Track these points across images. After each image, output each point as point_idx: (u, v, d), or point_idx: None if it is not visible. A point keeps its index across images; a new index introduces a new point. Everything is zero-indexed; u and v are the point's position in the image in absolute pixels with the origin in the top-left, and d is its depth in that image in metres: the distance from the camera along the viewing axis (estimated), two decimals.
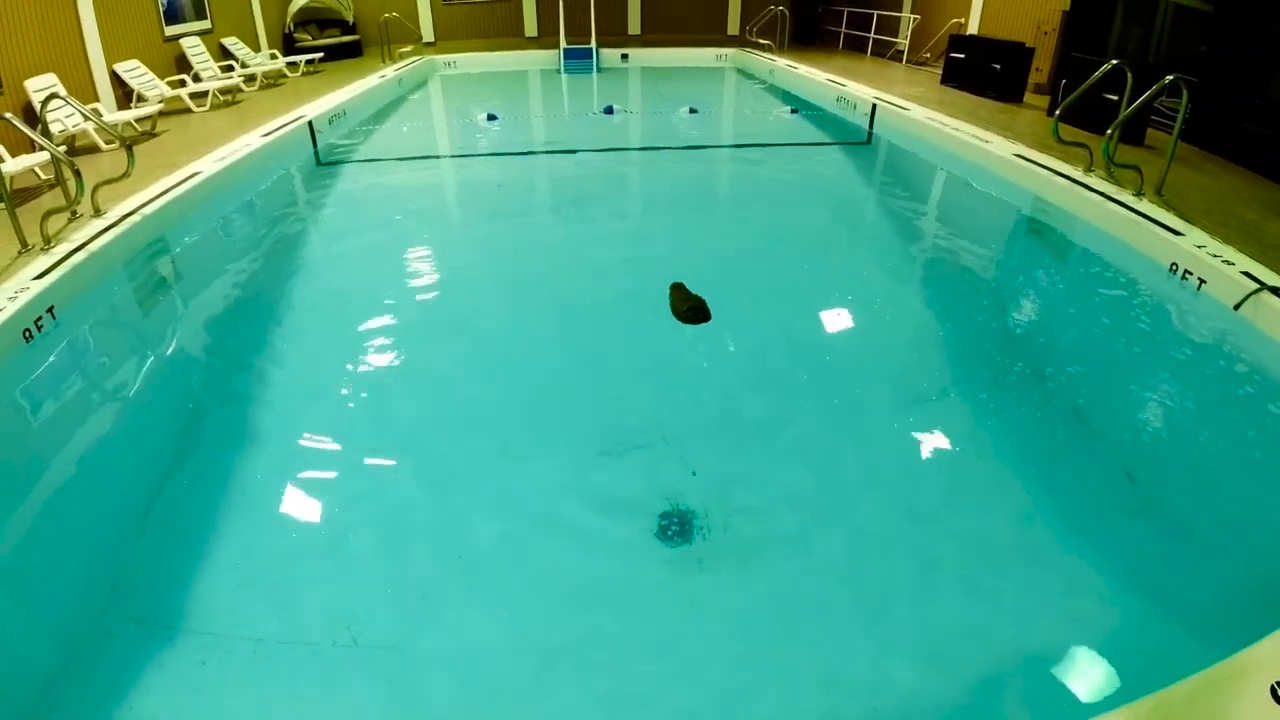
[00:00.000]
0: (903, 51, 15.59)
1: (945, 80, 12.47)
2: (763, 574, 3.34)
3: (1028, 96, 11.27)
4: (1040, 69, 11.46)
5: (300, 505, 3.90)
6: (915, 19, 15.49)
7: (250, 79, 13.42)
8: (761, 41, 17.07)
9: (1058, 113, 7.13)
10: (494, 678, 2.94)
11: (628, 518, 3.62)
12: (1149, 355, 5.04)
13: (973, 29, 13.61)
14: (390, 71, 14.92)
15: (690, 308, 5.32)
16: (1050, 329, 5.53)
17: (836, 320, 5.60)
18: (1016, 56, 11.04)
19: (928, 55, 15.14)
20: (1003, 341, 5.31)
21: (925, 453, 4.12)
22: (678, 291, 5.57)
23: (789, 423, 4.37)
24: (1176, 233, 5.60)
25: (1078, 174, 7.01)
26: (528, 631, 3.12)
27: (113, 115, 10.02)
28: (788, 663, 2.97)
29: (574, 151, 10.44)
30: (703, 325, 5.32)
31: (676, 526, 3.53)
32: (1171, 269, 5.41)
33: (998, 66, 11.11)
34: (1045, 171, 7.24)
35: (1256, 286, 4.70)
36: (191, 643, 3.04)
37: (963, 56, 12.02)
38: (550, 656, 3.01)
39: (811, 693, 2.84)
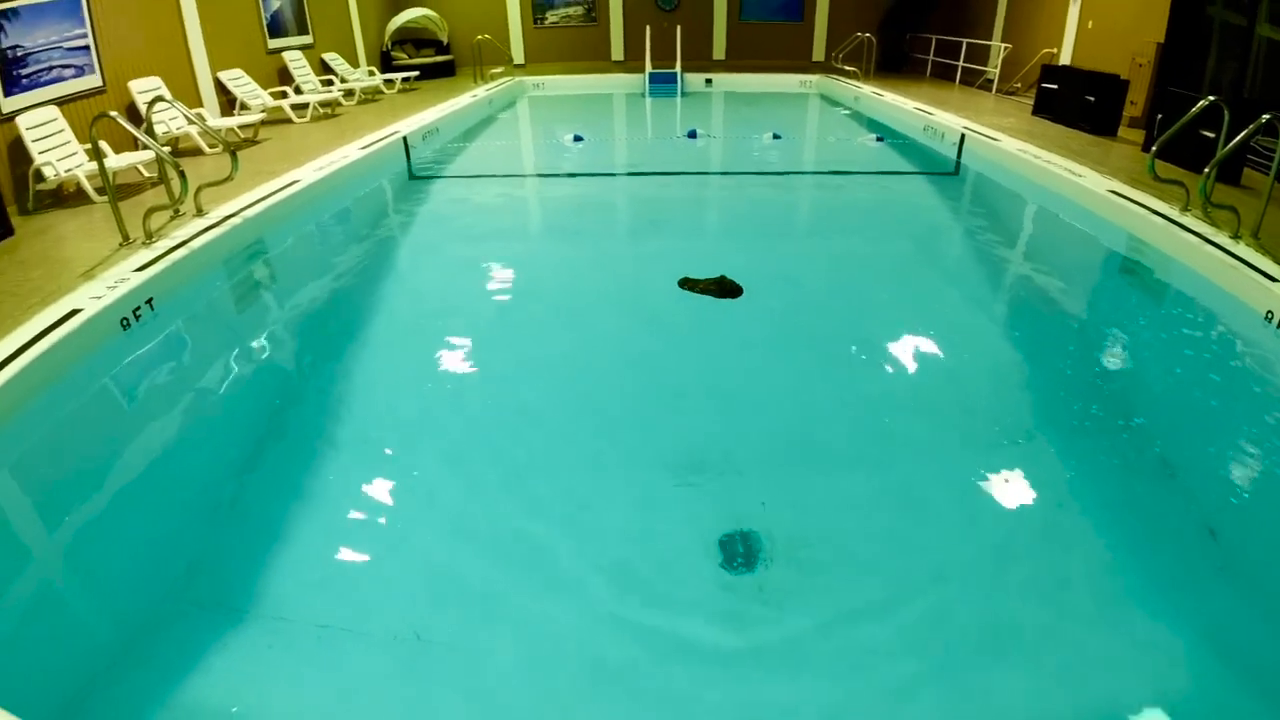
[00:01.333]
0: (992, 80, 15.27)
1: (1037, 111, 12.14)
2: (823, 610, 3.23)
3: (1122, 130, 10.87)
4: (1135, 102, 11.04)
5: (372, 502, 3.95)
6: (1006, 48, 15.16)
7: (349, 93, 13.95)
8: (847, 68, 16.94)
9: (1154, 149, 6.83)
10: (546, 683, 2.91)
11: (691, 538, 3.56)
12: (1239, 407, 4.75)
13: (1065, 59, 13.24)
14: (481, 91, 15.31)
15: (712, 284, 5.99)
16: (1139, 374, 5.26)
17: (916, 355, 5.42)
18: (1111, 89, 10.67)
19: (1018, 85, 14.78)
20: (1089, 385, 5.07)
21: (1002, 496, 3.93)
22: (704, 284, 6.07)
23: (862, 457, 4.25)
24: (1273, 279, 5.31)
25: (1174, 213, 6.70)
26: (583, 642, 3.08)
27: (216, 121, 10.51)
28: (838, 704, 2.86)
29: (656, 174, 10.49)
30: (784, 356, 5.28)
31: (740, 552, 3.46)
32: (1267, 317, 5.11)
33: (1092, 98, 10.75)
34: (1141, 209, 6.94)
35: None
36: (258, 628, 3.10)
37: (1055, 87, 11.69)
38: (600, 669, 2.97)
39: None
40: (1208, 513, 3.82)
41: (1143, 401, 4.85)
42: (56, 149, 7.44)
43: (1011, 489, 3.97)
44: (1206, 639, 3.07)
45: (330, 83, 14.16)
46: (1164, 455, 4.27)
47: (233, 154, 6.46)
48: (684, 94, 17.40)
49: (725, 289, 6.01)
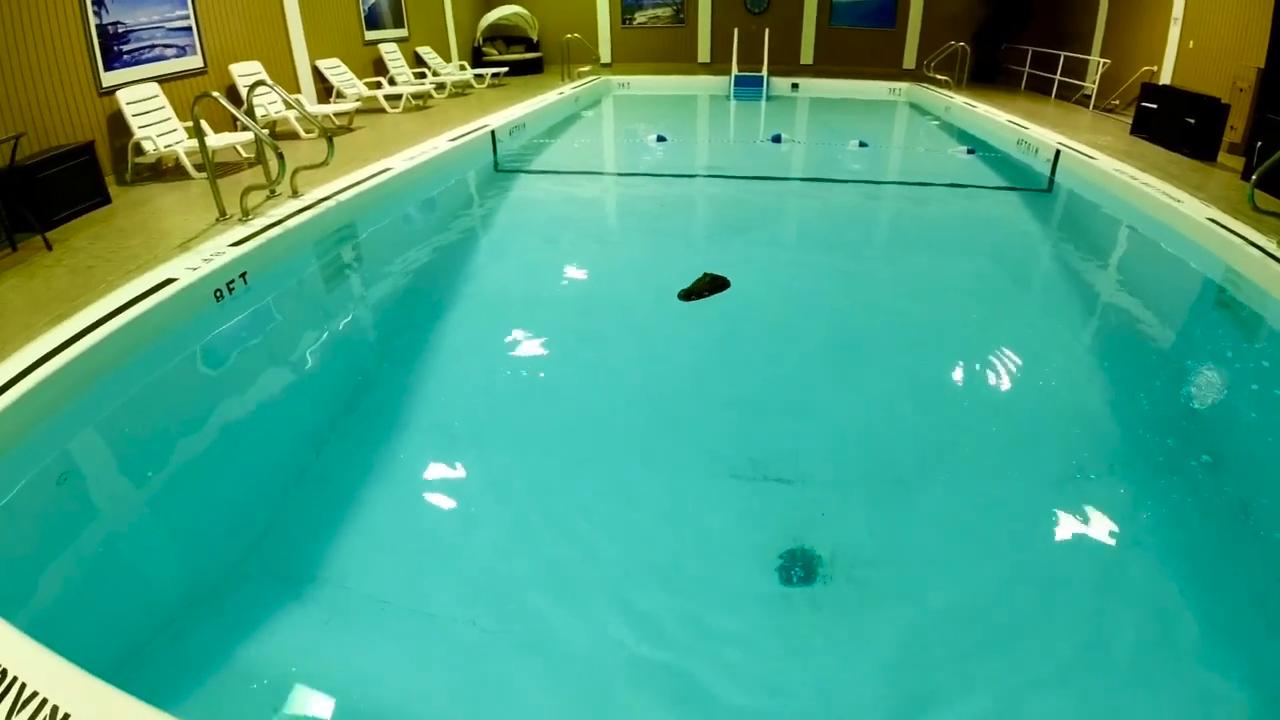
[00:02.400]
0: (1090, 96, 14.70)
1: (1135, 130, 11.63)
2: (879, 631, 3.14)
3: (1221, 156, 10.33)
4: (1235, 127, 10.47)
5: (440, 486, 4.01)
6: (1105, 63, 14.57)
7: (440, 87, 14.24)
8: (939, 77, 16.55)
9: (1254, 178, 6.46)
10: (591, 679, 2.90)
11: (751, 544, 3.52)
12: None
13: (1165, 78, 12.66)
14: (568, 89, 15.46)
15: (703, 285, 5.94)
16: (1223, 414, 4.93)
17: (993, 377, 5.21)
18: (1211, 112, 10.14)
19: (1116, 102, 14.19)
20: (1171, 421, 4.78)
21: (1074, 531, 3.73)
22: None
23: (932, 479, 4.10)
24: None
25: (1272, 246, 6.31)
26: (634, 640, 3.05)
27: (313, 107, 10.85)
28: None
29: (737, 178, 10.41)
30: (858, 368, 5.19)
31: (800, 566, 3.39)
32: None
33: (1191, 121, 10.25)
34: (1238, 241, 6.55)
35: None
36: (322, 596, 3.17)
37: (1155, 107, 11.18)
38: (647, 668, 2.94)
39: None
40: None
41: (1225, 443, 4.57)
42: (156, 125, 7.76)
43: (1080, 524, 3.78)
44: (1274, 697, 2.88)
45: (423, 75, 14.48)
46: (1244, 501, 4.01)
47: (329, 139, 6.63)
48: (769, 98, 17.24)
49: (717, 285, 6.12)
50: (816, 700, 2.82)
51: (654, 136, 12.41)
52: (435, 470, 4.09)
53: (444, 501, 3.92)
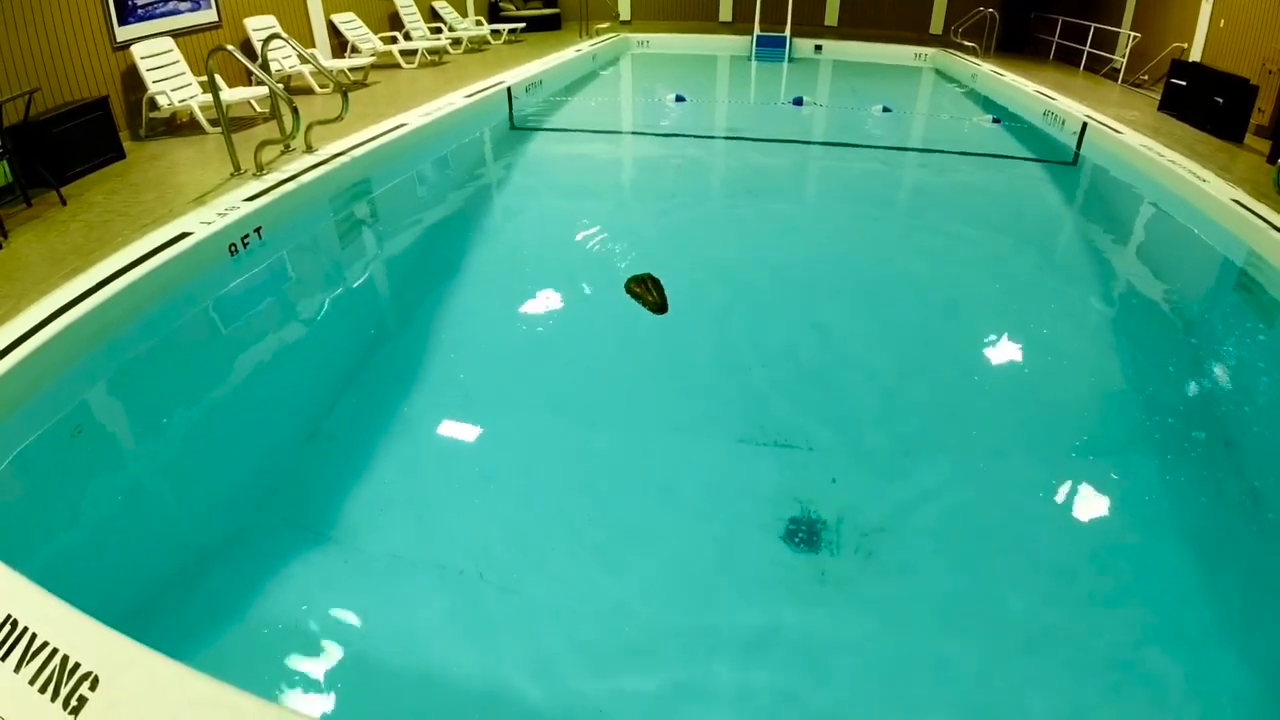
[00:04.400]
0: (1118, 70, 14.35)
1: (1163, 107, 11.36)
2: (882, 601, 3.15)
3: (1248, 138, 10.09)
4: (1263, 110, 10.21)
5: (452, 442, 4.02)
6: (1135, 37, 14.19)
7: (456, 42, 14.05)
8: (966, 44, 16.19)
9: (1279, 161, 6.29)
10: (594, 640, 2.92)
11: (757, 510, 3.52)
12: None
13: (1195, 56, 12.33)
14: (586, 46, 15.21)
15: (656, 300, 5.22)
16: (1240, 399, 4.85)
17: (1010, 352, 5.15)
18: (1239, 93, 9.90)
19: (1145, 77, 13.85)
20: (1187, 404, 4.72)
21: (1084, 511, 3.71)
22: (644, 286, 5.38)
23: (945, 452, 4.07)
24: None
25: None
26: (636, 602, 3.08)
27: (328, 62, 10.73)
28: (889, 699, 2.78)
29: (757, 140, 10.26)
30: (867, 335, 5.11)
31: (804, 533, 3.38)
32: None
33: (1220, 100, 10.01)
34: (1261, 223, 6.39)
35: None
36: (334, 550, 3.20)
37: (1184, 84, 10.91)
38: (652, 632, 2.96)
39: None
40: None
41: (1241, 428, 4.51)
42: (171, 79, 7.69)
43: (1095, 502, 3.76)
44: (1272, 683, 2.87)
45: (439, 30, 14.28)
46: (1257, 488, 3.95)
47: (344, 94, 6.56)
48: (791, 59, 16.93)
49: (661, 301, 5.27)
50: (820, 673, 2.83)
51: (673, 96, 12.22)
52: (448, 427, 4.11)
53: (456, 457, 3.93)
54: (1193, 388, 4.92)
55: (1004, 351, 5.13)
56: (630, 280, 5.38)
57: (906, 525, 3.51)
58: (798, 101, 12.27)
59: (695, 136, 10.47)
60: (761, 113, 12.03)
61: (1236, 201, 6.91)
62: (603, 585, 3.15)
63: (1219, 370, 5.17)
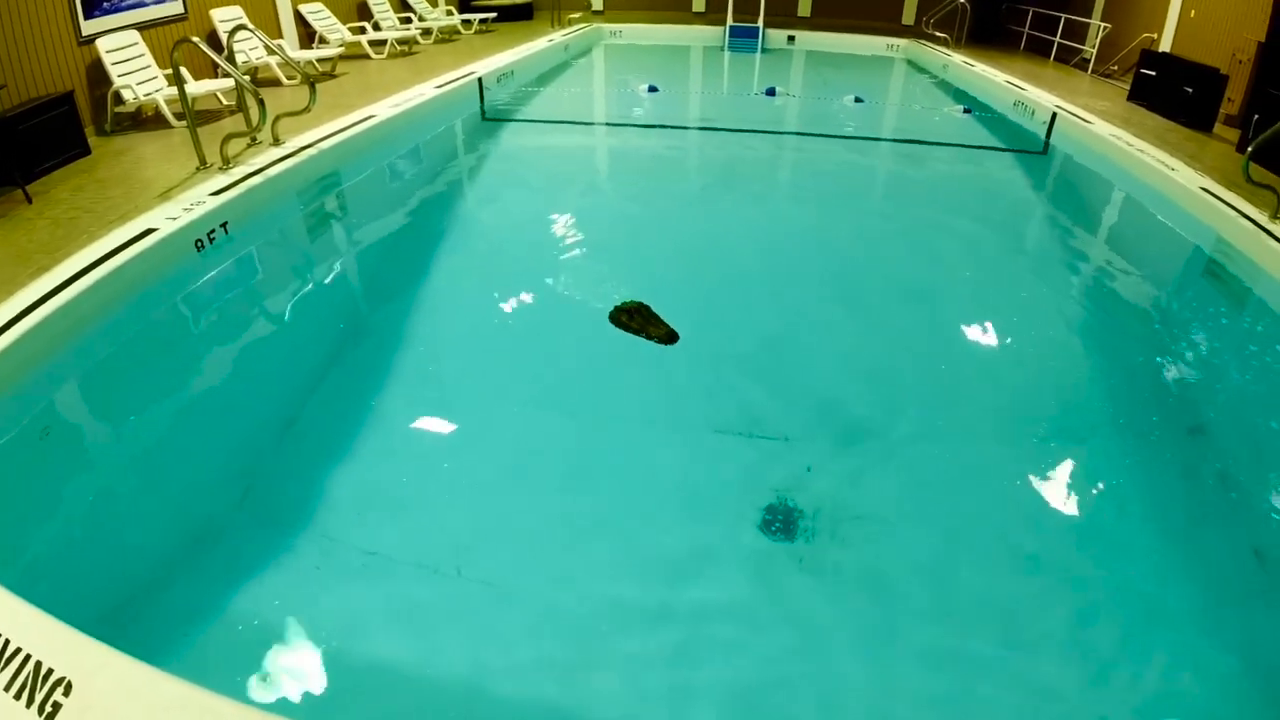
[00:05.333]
0: (1088, 60, 14.50)
1: (1132, 97, 11.50)
2: (853, 586, 3.19)
3: (1217, 127, 10.25)
4: (1232, 100, 10.38)
5: (427, 436, 4.00)
6: (1105, 27, 14.35)
7: (426, 32, 13.91)
8: (938, 35, 16.28)
9: (1250, 149, 6.40)
10: (574, 631, 2.93)
11: (734, 498, 3.55)
12: None
13: (1165, 46, 12.50)
14: (558, 36, 15.12)
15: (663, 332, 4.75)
16: (1208, 384, 4.96)
17: (982, 340, 5.23)
18: (1209, 83, 10.06)
19: (1115, 68, 14.02)
20: (1161, 389, 4.82)
21: (1054, 495, 3.77)
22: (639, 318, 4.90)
23: (919, 440, 4.11)
24: None
25: (1264, 219, 6.28)
26: (616, 592, 3.09)
27: (295, 53, 10.57)
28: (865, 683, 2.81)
29: (731, 131, 10.26)
30: (842, 324, 5.10)
31: (780, 521, 3.41)
32: None
33: (1190, 90, 10.16)
34: (1231, 212, 6.51)
35: None
36: (309, 547, 3.18)
37: (1153, 74, 11.06)
38: (630, 621, 2.97)
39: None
40: (1258, 534, 3.63)
41: (1209, 412, 4.60)
42: (136, 73, 7.56)
43: (1066, 485, 3.82)
44: (1241, 660, 2.94)
45: (409, 20, 14.12)
46: (1224, 470, 4.05)
47: (311, 85, 6.47)
48: (764, 50, 16.94)
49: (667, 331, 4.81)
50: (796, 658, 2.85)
51: (646, 87, 12.19)
52: (423, 421, 4.08)
53: (431, 452, 3.91)
54: (1163, 373, 5.01)
55: (977, 339, 5.20)
56: (620, 314, 4.92)
57: (881, 511, 3.55)
58: (770, 92, 12.29)
59: (668, 127, 10.45)
60: (735, 103, 12.03)
61: (1206, 190, 7.02)
62: (582, 578, 3.15)
63: (1190, 356, 5.26)
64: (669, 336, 4.66)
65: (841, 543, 3.33)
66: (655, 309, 5.12)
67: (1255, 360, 5.22)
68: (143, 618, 2.78)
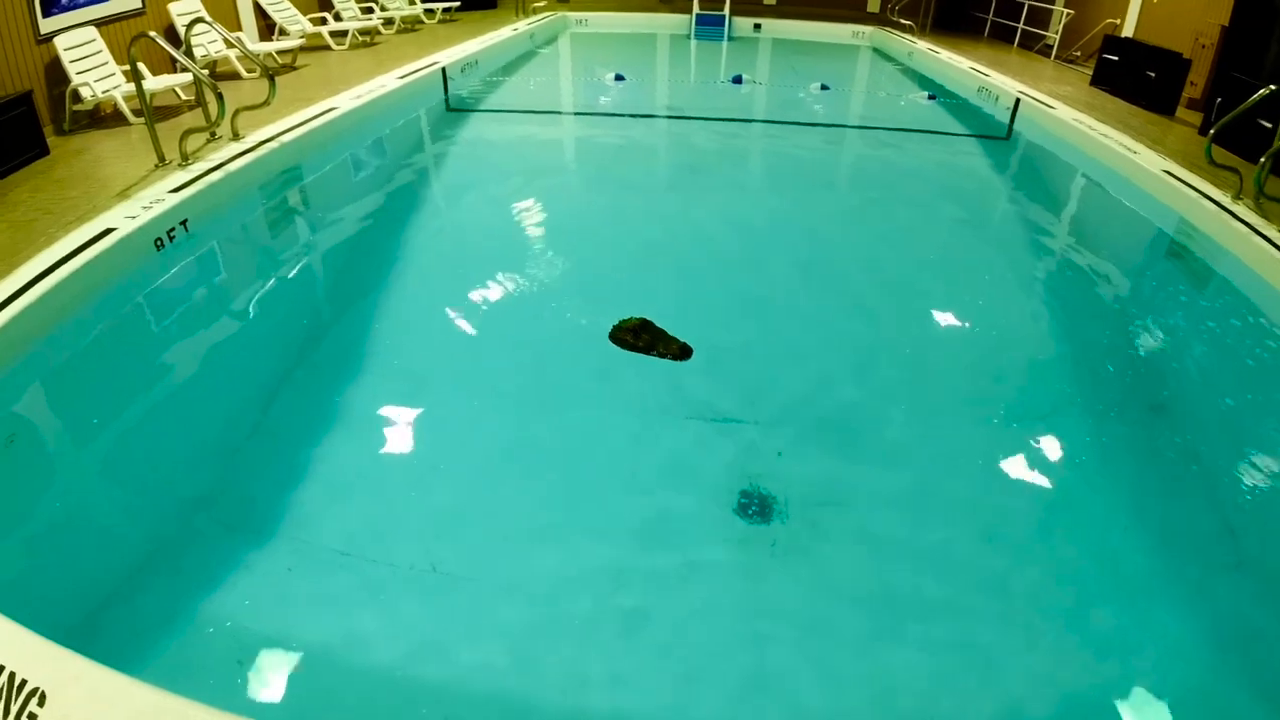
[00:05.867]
0: (1052, 46, 14.68)
1: (1095, 82, 11.67)
2: (830, 568, 3.22)
3: (1180, 111, 10.44)
4: (1195, 83, 10.59)
5: (397, 433, 3.96)
6: (1068, 13, 14.52)
7: (389, 22, 13.73)
8: (903, 22, 16.38)
9: (1212, 132, 6.54)
10: (556, 621, 2.93)
11: (708, 486, 3.56)
12: (1275, 406, 4.58)
13: (1128, 31, 12.68)
14: (523, 25, 15.00)
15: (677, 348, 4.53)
16: (1173, 362, 5.09)
17: (949, 322, 5.31)
18: (1172, 67, 10.23)
19: (1078, 54, 14.21)
20: (1125, 366, 4.93)
21: (1026, 472, 3.85)
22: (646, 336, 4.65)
23: (886, 420, 4.17)
24: None
25: (1226, 200, 6.42)
26: (595, 580, 3.10)
27: (255, 45, 10.38)
28: (834, 662, 2.86)
29: (697, 119, 10.26)
30: (809, 308, 5.13)
31: (756, 505, 3.45)
32: None
33: (1152, 74, 10.33)
34: (1193, 193, 6.65)
35: None
36: (280, 549, 3.14)
37: (1116, 59, 11.22)
38: (610, 610, 2.99)
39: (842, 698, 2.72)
40: (1228, 509, 3.73)
41: (1177, 391, 4.71)
42: (94, 70, 7.38)
43: (1036, 463, 3.89)
44: (1212, 633, 3.02)
45: (370, 10, 13.91)
46: (1193, 448, 4.14)
47: (270, 78, 6.37)
48: (731, 38, 16.94)
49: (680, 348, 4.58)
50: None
51: (612, 75, 12.15)
52: (392, 418, 4.04)
53: (402, 449, 3.88)
54: (1128, 352, 5.12)
55: (945, 322, 5.28)
56: (622, 333, 4.64)
57: (853, 491, 3.61)
58: (737, 80, 12.30)
59: (636, 116, 10.41)
60: (701, 91, 12.04)
61: (1168, 172, 7.15)
62: (561, 570, 3.15)
63: (1154, 335, 5.38)
64: (682, 352, 4.48)
65: (812, 525, 3.37)
66: (623, 299, 5.13)
67: (1219, 338, 5.34)
68: (115, 625, 2.75)
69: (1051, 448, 4.03)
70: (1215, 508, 3.74)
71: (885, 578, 3.18)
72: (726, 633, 2.91)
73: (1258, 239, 5.70)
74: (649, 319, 4.70)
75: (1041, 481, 3.79)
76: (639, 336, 4.58)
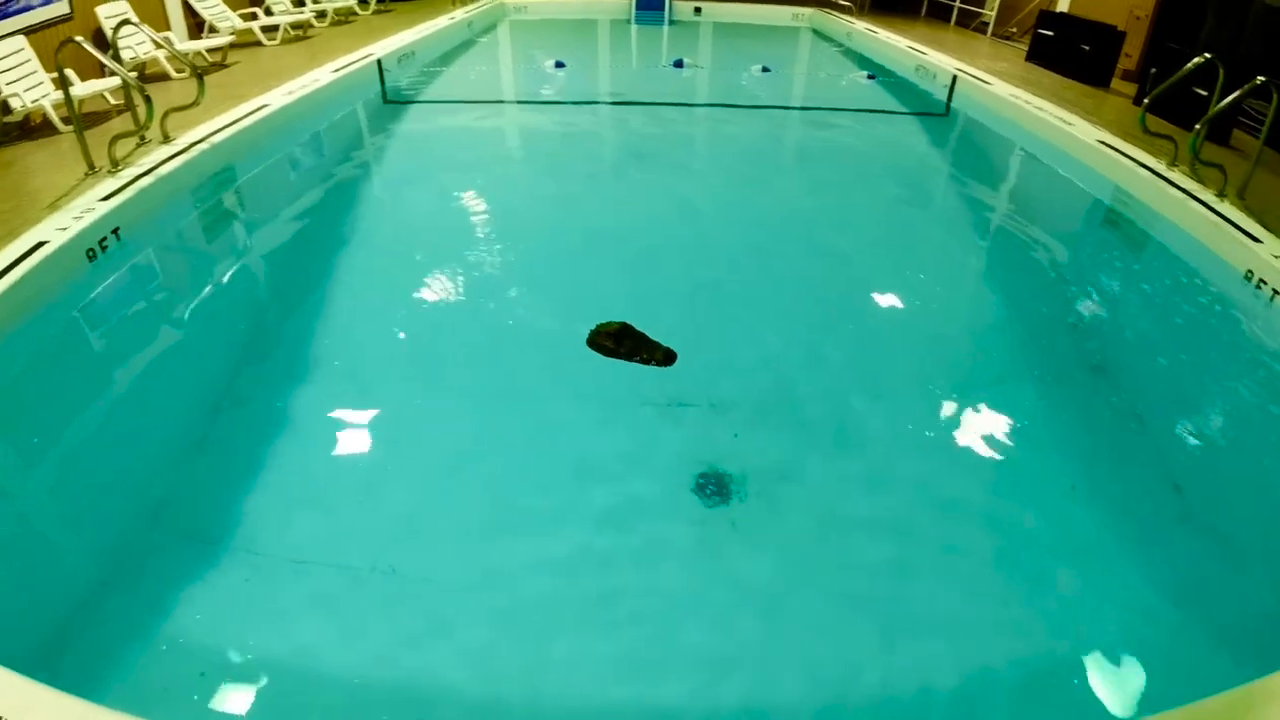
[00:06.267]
0: (988, 24, 14.93)
1: (1031, 57, 11.92)
2: (789, 544, 3.29)
3: (1115, 83, 10.72)
4: (1130, 55, 10.88)
5: (350, 436, 3.93)
6: None
7: (321, 15, 13.42)
8: (841, 3, 16.51)
9: (1146, 101, 6.75)
10: (521, 616, 2.95)
11: (666, 471, 3.60)
12: (1212, 363, 4.80)
13: (1063, 6, 12.95)
14: (460, 14, 14.77)
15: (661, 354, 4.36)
16: (1116, 326, 5.28)
17: (895, 296, 5.41)
18: (1107, 39, 10.50)
19: (1014, 30, 14.47)
20: (1067, 332, 5.09)
21: (974, 440, 3.96)
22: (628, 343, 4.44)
23: (837, 397, 4.25)
24: (1256, 239, 5.26)
25: (1161, 168, 6.63)
26: (559, 572, 3.13)
27: (184, 44, 10.09)
28: (796, 639, 2.93)
29: (640, 104, 10.26)
30: (757, 289, 5.16)
31: (714, 486, 3.50)
32: (1247, 276, 5.09)
33: (1087, 48, 10.58)
34: (1129, 162, 6.85)
35: None
36: (235, 561, 3.10)
37: (1051, 34, 11.47)
38: (577, 598, 3.03)
39: (810, 669, 2.79)
40: (1174, 465, 3.88)
41: (1118, 353, 4.88)
42: (23, 80, 7.10)
43: (984, 431, 4.00)
44: (1166, 585, 3.15)
45: (302, 3, 13.58)
46: (1135, 408, 4.29)
47: (199, 77, 6.20)
48: (671, 22, 16.94)
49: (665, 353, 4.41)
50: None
51: (553, 63, 12.06)
52: (342, 420, 4.01)
53: (353, 451, 3.84)
54: (1071, 319, 5.27)
55: (890, 298, 5.38)
56: (602, 338, 4.42)
57: (808, 467, 3.69)
58: (679, 64, 12.30)
59: (578, 103, 10.38)
60: (643, 76, 12.04)
61: (1103, 142, 7.35)
62: (523, 563, 3.15)
63: (1095, 301, 5.56)
64: (666, 358, 4.30)
65: (769, 502, 3.43)
66: (572, 287, 5.07)
67: (1157, 301, 5.55)
68: (72, 651, 2.69)
69: (999, 414, 4.14)
70: (1160, 463, 3.89)
71: (843, 548, 3.26)
72: (690, 611, 2.97)
73: (1193, 204, 5.90)
74: (628, 323, 4.52)
75: (992, 447, 3.90)
76: (620, 343, 4.41)
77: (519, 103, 10.71)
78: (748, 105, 10.35)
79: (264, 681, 2.64)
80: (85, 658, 2.67)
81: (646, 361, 4.29)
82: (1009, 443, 3.95)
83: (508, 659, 2.78)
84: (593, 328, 4.46)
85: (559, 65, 11.92)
